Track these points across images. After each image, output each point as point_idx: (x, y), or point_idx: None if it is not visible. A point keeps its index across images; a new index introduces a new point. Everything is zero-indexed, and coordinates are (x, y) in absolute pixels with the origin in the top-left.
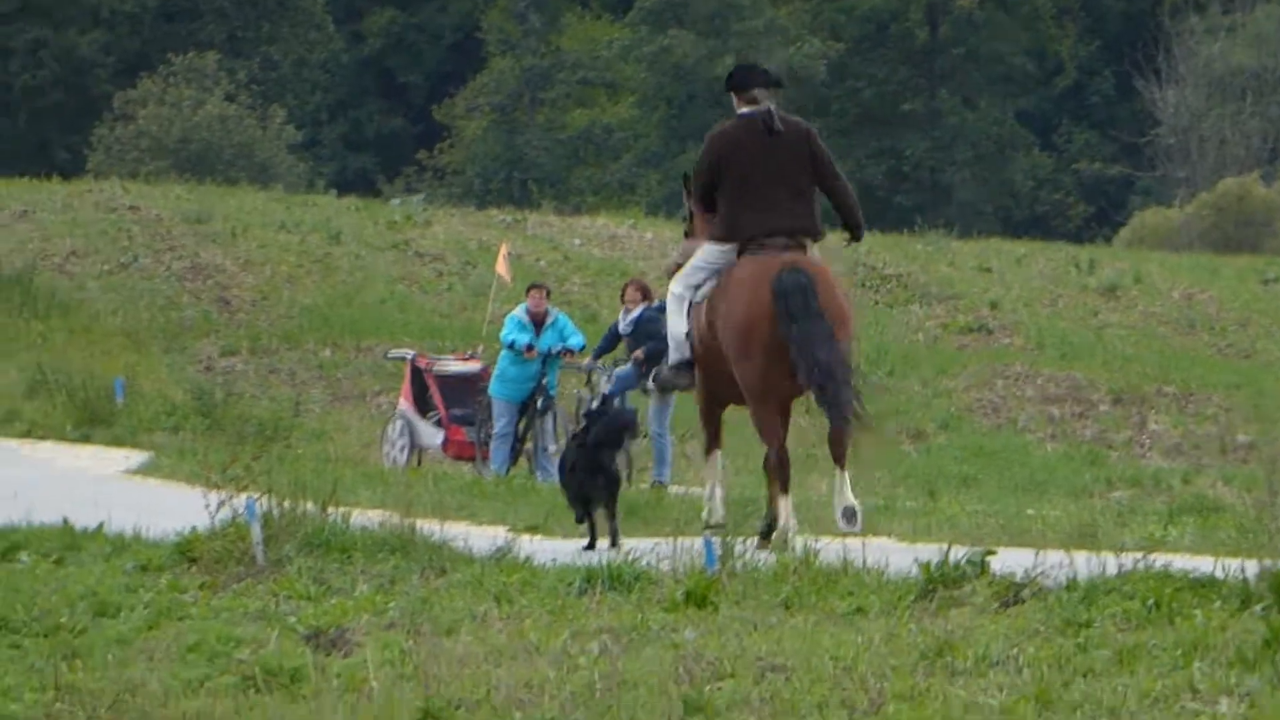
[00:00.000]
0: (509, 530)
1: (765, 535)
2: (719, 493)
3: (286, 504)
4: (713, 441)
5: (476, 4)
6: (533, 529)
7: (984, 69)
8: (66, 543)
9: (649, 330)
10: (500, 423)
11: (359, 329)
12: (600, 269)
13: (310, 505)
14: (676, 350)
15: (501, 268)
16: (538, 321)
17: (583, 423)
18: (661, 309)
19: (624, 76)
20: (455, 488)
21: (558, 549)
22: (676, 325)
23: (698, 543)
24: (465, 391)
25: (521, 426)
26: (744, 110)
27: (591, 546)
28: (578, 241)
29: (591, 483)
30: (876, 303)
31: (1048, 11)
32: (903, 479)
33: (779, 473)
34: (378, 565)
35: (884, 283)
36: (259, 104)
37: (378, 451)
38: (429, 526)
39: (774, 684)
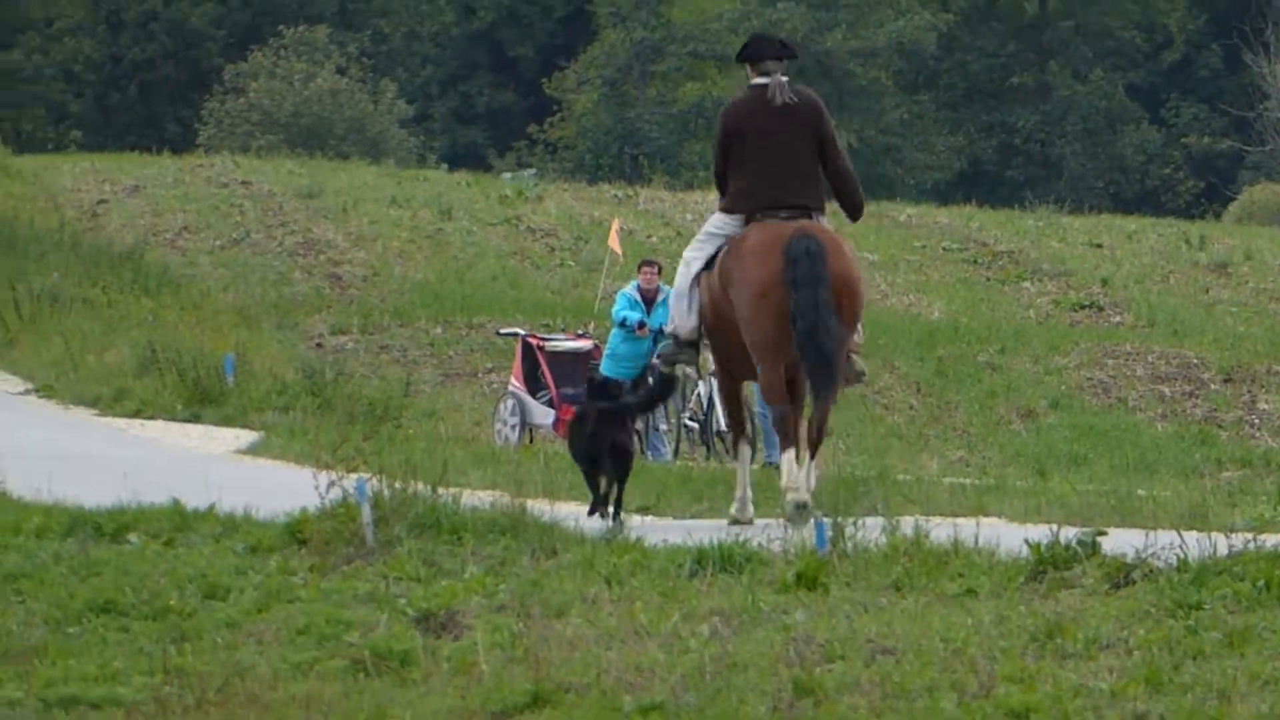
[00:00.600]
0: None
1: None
2: (748, 491)
3: (397, 484)
4: (738, 428)
5: None
6: (644, 509)
7: (1093, 42)
8: (176, 524)
9: None
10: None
11: (470, 306)
12: None
13: (421, 485)
14: (679, 318)
15: (614, 243)
16: (649, 299)
17: (587, 387)
18: None
19: (735, 49)
20: (566, 467)
21: (669, 529)
22: (678, 287)
23: (809, 524)
24: (576, 370)
25: None
26: (756, 81)
27: (593, 512)
28: (689, 217)
29: (599, 451)
30: (987, 279)
31: None
32: (1013, 458)
33: (783, 431)
34: (488, 547)
35: (995, 259)
36: (370, 78)
37: (489, 430)
38: (540, 507)
39: (884, 666)
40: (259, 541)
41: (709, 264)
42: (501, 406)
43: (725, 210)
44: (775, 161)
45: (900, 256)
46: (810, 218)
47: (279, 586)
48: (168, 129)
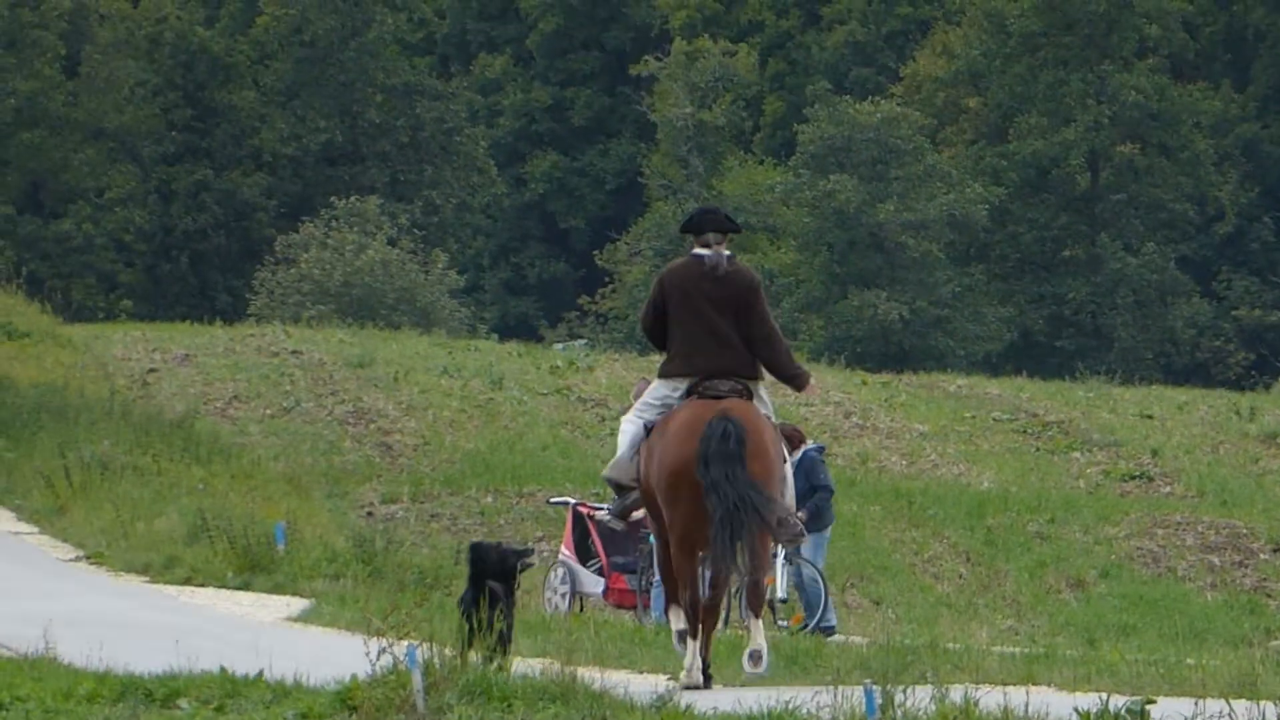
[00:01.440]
0: (670, 679)
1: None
2: (694, 651)
3: (448, 652)
4: (673, 594)
5: (639, 148)
6: None
7: (1144, 215)
8: (226, 690)
9: (808, 471)
10: (661, 571)
11: (521, 475)
12: None
13: (472, 654)
14: (623, 470)
15: None
16: None
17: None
18: (818, 450)
19: (785, 220)
20: (616, 635)
21: (718, 698)
22: (621, 455)
23: (858, 691)
24: (627, 539)
25: None
26: (696, 251)
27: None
28: None
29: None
30: (1037, 449)
31: (1208, 158)
32: (1062, 627)
33: (692, 617)
34: (539, 714)
35: (1045, 429)
36: (421, 248)
37: (539, 599)
38: (590, 674)
39: None
40: (309, 708)
41: (647, 432)
42: (552, 575)
43: (663, 376)
44: (707, 327)
45: (951, 427)
46: (749, 390)
47: None
48: (218, 299)
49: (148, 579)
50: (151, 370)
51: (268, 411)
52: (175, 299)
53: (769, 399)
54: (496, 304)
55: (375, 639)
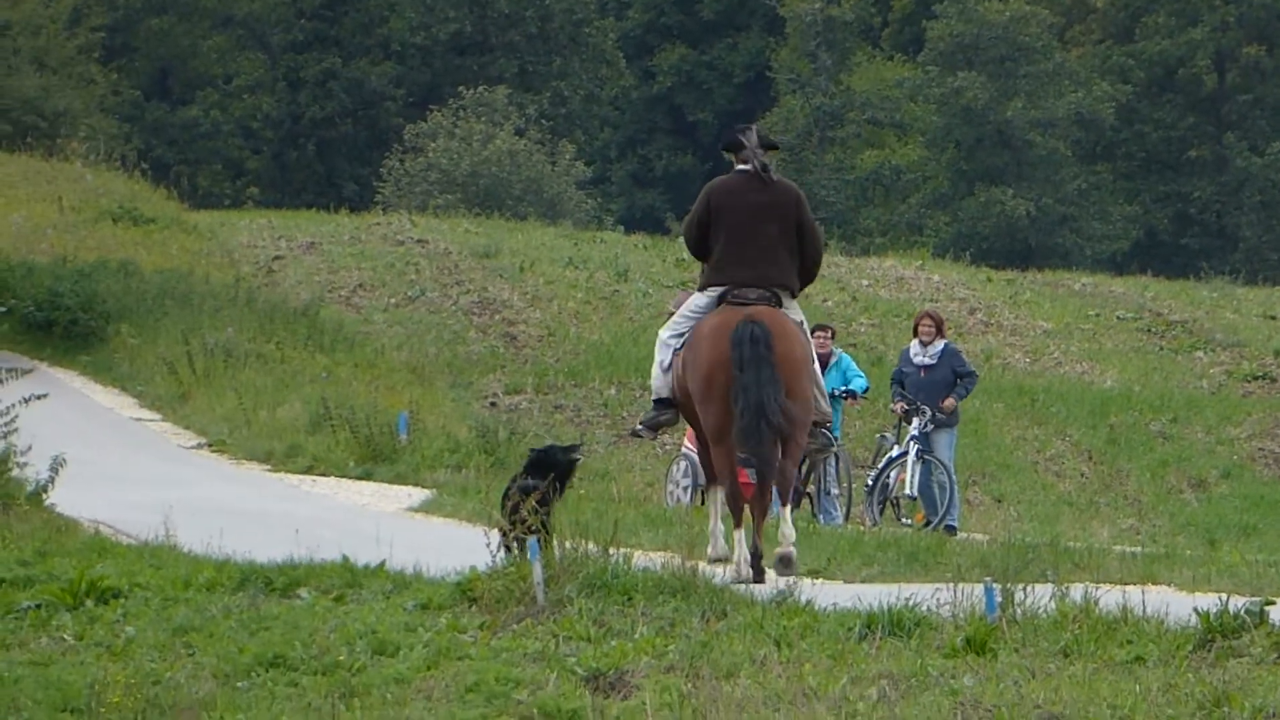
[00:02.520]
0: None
1: (756, 570)
2: (719, 527)
3: (568, 544)
4: (711, 477)
5: (768, 42)
6: (814, 573)
7: (1271, 116)
8: (346, 580)
9: (951, 360)
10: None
11: (644, 368)
12: (887, 310)
13: (592, 546)
14: (658, 384)
15: None
16: (822, 363)
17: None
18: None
19: (913, 117)
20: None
21: (839, 593)
22: (659, 365)
23: (978, 589)
24: None
25: (804, 469)
26: (740, 167)
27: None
28: (865, 282)
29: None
30: (1161, 349)
31: None
32: (1183, 527)
33: (734, 507)
34: (658, 608)
35: (1169, 329)
36: (548, 139)
37: (661, 492)
38: (710, 569)
39: None
40: (429, 599)
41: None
42: (674, 468)
43: (700, 288)
44: (750, 241)
45: (1074, 325)
46: (777, 297)
47: (448, 644)
48: (345, 187)
49: (269, 467)
50: (277, 258)
51: (392, 300)
52: (301, 187)
53: (798, 306)
54: (623, 196)
55: (496, 531)
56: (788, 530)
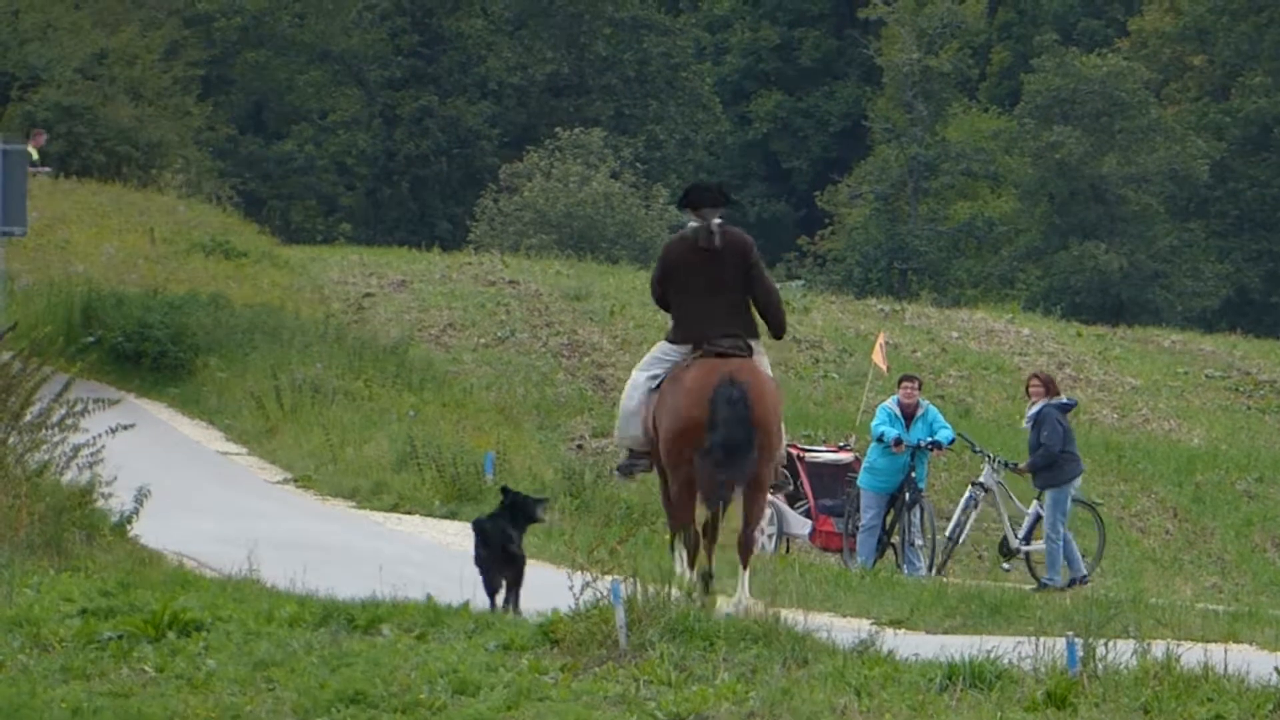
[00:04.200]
0: (873, 623)
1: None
2: (683, 567)
3: (651, 589)
4: (674, 527)
5: (864, 91)
6: (897, 623)
7: None
8: (429, 618)
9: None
10: (868, 514)
11: None
12: (976, 363)
13: (675, 591)
14: (630, 432)
15: (878, 357)
16: (908, 414)
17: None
18: (1063, 406)
19: (1007, 169)
20: (821, 578)
21: (921, 644)
22: (627, 406)
23: (1060, 643)
24: (835, 481)
25: (889, 519)
26: (693, 224)
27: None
28: (955, 334)
29: (494, 558)
30: (1249, 408)
31: None
32: (1266, 586)
33: (691, 545)
34: (740, 654)
35: (1257, 388)
36: (643, 183)
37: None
38: (793, 616)
39: None
40: (511, 639)
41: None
42: None
43: (670, 340)
44: (708, 295)
45: (1163, 382)
46: (749, 347)
47: (530, 685)
48: (437, 225)
49: (354, 504)
50: (367, 295)
51: (482, 340)
52: (394, 224)
53: (763, 352)
54: None
55: (580, 573)
56: (744, 594)
